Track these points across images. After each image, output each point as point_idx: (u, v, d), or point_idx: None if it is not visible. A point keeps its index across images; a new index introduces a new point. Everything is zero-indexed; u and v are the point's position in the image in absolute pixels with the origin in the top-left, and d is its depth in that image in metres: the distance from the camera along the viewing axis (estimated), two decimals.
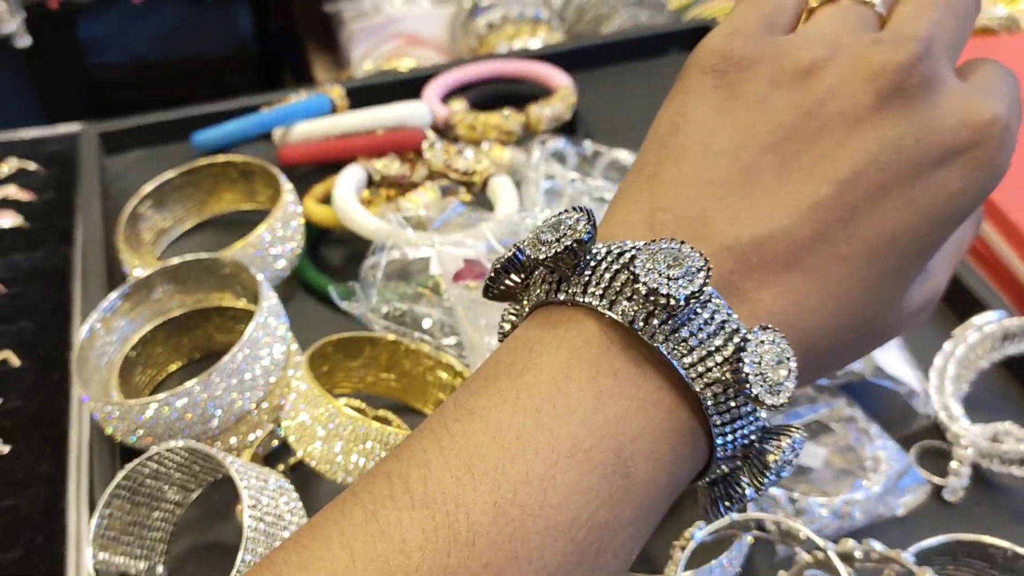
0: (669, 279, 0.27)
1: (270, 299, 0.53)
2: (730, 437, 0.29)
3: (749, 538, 0.45)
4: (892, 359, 0.51)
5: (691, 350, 0.27)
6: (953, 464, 0.49)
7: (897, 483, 0.48)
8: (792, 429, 0.30)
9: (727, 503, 0.31)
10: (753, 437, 0.29)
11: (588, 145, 0.66)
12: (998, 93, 0.31)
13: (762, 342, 0.27)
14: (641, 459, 0.27)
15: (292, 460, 0.52)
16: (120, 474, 0.44)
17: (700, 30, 0.84)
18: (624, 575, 0.28)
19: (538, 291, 0.30)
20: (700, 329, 0.27)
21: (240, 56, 1.46)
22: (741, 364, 0.27)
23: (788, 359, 0.28)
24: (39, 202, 0.74)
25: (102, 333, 0.55)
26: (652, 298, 0.27)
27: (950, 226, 0.31)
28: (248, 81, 1.45)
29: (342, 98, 0.72)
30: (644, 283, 0.27)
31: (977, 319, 0.53)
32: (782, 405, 0.28)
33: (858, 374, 0.50)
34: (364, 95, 0.77)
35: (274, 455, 0.53)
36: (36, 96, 1.37)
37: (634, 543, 0.28)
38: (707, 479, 0.31)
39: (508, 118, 0.70)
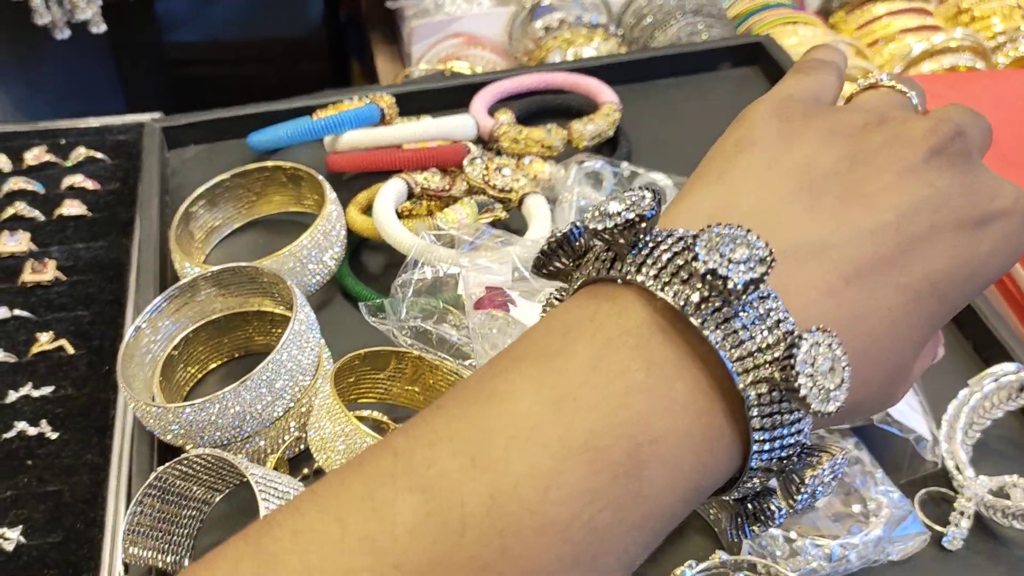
0: (731, 262, 0.25)
1: (303, 311, 0.55)
2: (768, 447, 0.27)
3: None
4: (903, 405, 0.52)
5: (740, 343, 0.26)
6: (954, 514, 0.50)
7: (896, 529, 0.49)
8: (835, 448, 0.29)
9: (755, 524, 0.31)
10: (792, 451, 0.28)
11: (625, 167, 0.67)
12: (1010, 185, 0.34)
13: (817, 344, 0.26)
14: (658, 464, 0.26)
15: (316, 465, 0.55)
16: (152, 476, 0.48)
17: (750, 47, 0.85)
18: None
19: (590, 268, 0.29)
20: (754, 323, 0.26)
21: (309, 40, 1.49)
22: (792, 363, 0.25)
23: (843, 367, 0.26)
24: (104, 192, 0.78)
25: (147, 332, 0.58)
26: (709, 279, 0.26)
27: (979, 286, 0.32)
28: (317, 65, 1.49)
29: (391, 107, 0.74)
30: (704, 262, 0.26)
31: (995, 369, 0.53)
32: (830, 414, 0.26)
33: (867, 418, 0.51)
34: (414, 100, 0.79)
35: (299, 458, 0.56)
36: (115, 74, 1.42)
37: (639, 548, 0.27)
38: (735, 495, 0.30)
39: (551, 133, 0.72)
